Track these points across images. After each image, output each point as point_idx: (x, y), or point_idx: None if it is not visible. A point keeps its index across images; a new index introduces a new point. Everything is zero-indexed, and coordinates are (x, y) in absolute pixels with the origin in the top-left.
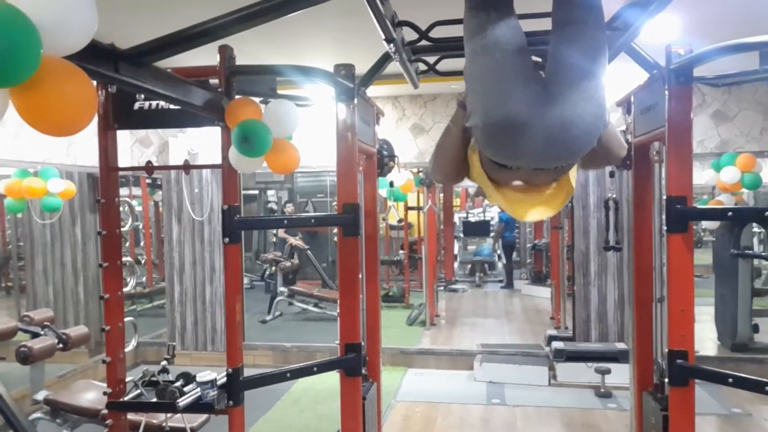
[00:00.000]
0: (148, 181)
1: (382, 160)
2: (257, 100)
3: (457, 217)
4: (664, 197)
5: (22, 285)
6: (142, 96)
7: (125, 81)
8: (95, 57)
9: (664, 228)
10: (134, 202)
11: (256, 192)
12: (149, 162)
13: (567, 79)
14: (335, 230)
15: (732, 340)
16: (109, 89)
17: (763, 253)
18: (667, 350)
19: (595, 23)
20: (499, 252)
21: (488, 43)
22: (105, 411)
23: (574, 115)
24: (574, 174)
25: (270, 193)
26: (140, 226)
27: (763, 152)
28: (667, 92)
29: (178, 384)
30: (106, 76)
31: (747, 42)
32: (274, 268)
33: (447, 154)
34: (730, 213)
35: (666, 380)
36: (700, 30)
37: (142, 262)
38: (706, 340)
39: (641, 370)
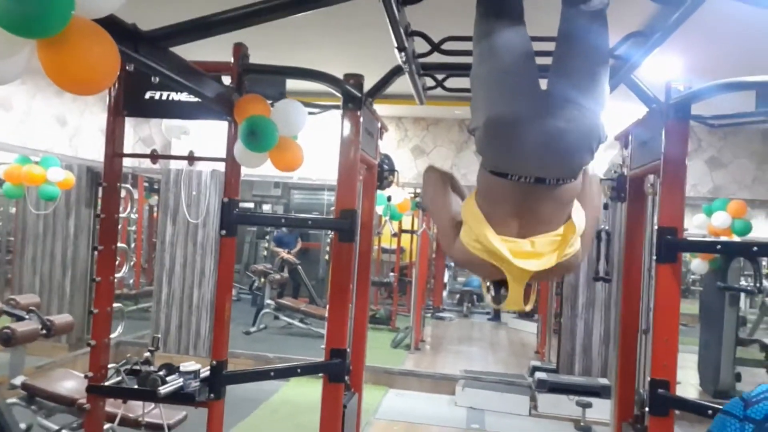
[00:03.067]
0: (146, 183)
1: (382, 173)
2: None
3: None
4: (656, 228)
5: (8, 278)
6: (154, 85)
7: (144, 62)
8: (117, 34)
9: (654, 258)
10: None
11: (252, 205)
12: (154, 150)
13: (570, 82)
14: (327, 248)
15: (714, 387)
16: (127, 67)
17: (748, 287)
18: (649, 380)
19: (599, 32)
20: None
21: (495, 47)
22: (81, 400)
23: (575, 117)
24: (579, 225)
25: (266, 207)
26: (133, 229)
27: (754, 201)
28: (664, 126)
29: (160, 373)
30: (125, 54)
31: (744, 81)
32: (263, 280)
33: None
34: (719, 246)
35: (647, 410)
36: (700, 70)
37: (132, 263)
38: (688, 387)
39: (622, 401)
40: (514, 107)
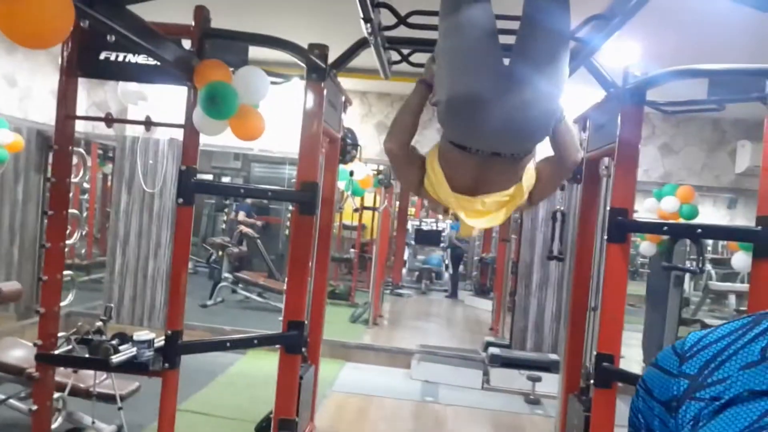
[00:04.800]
0: (100, 151)
1: (345, 147)
2: None
3: (411, 225)
4: (608, 209)
5: None
6: (110, 45)
7: (99, 18)
8: None
9: (605, 238)
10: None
11: (211, 177)
12: (109, 113)
13: (532, 61)
14: (287, 224)
15: None
16: (81, 24)
17: (691, 268)
18: (595, 354)
19: (562, 14)
20: (447, 262)
21: (461, 23)
22: (30, 369)
23: (533, 97)
24: (528, 183)
25: (225, 180)
26: (85, 198)
27: (702, 187)
28: (620, 111)
29: (113, 342)
30: (79, 10)
31: (697, 68)
32: (220, 253)
33: (408, 114)
34: (665, 227)
35: (592, 382)
36: (657, 57)
37: (84, 232)
38: (632, 363)
39: (569, 374)
40: (476, 86)
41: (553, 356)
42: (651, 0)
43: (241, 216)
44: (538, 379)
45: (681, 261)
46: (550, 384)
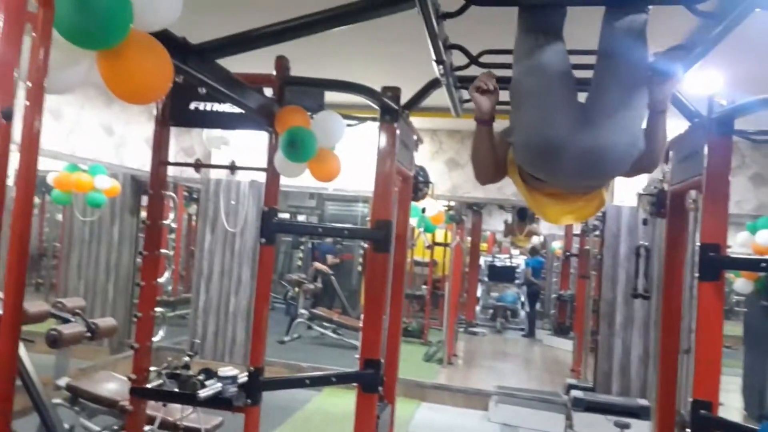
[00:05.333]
0: (185, 193)
1: (417, 185)
2: None
3: (483, 260)
4: (698, 245)
5: (53, 283)
6: (199, 96)
7: (192, 73)
8: (169, 47)
9: (696, 276)
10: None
11: (287, 215)
12: (198, 159)
13: (606, 107)
14: (360, 260)
15: (760, 411)
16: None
17: None
18: (691, 400)
19: (637, 57)
20: (522, 300)
21: (535, 65)
22: (123, 402)
23: (609, 142)
24: (607, 186)
25: (300, 218)
26: (172, 237)
27: None
28: (707, 141)
29: (200, 377)
30: (176, 67)
31: None
32: (297, 289)
33: (481, 155)
34: (764, 264)
35: (688, 431)
36: (742, 85)
37: (171, 271)
38: (732, 410)
39: (662, 422)
40: (552, 131)
41: (642, 401)
42: (733, 30)
43: (330, 259)
44: (627, 426)
45: None
46: (640, 431)
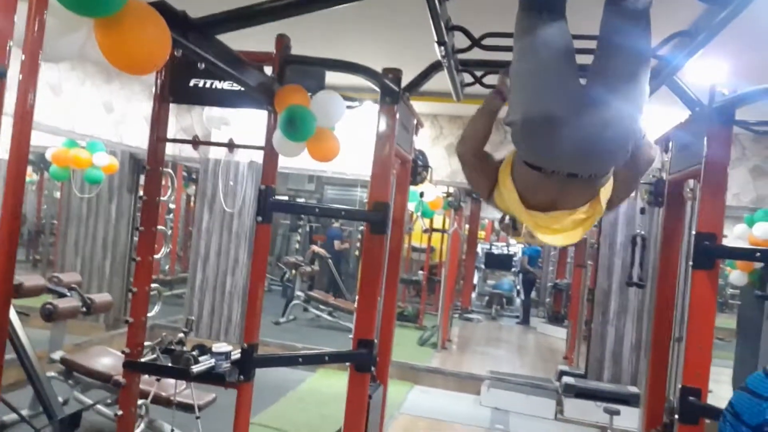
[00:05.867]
0: (184, 173)
1: (416, 169)
2: None
3: (480, 248)
4: (694, 233)
5: (50, 259)
6: (199, 72)
7: (191, 48)
8: (168, 20)
9: (690, 264)
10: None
11: (286, 198)
12: (195, 136)
13: (609, 81)
14: (358, 245)
15: None
16: (175, 53)
17: None
18: (680, 387)
19: (641, 32)
20: (518, 287)
21: (537, 43)
22: (117, 376)
23: (612, 117)
24: (606, 194)
25: (299, 201)
26: (170, 217)
27: None
28: (707, 131)
29: (194, 352)
30: (176, 41)
31: None
32: (293, 271)
33: (479, 123)
34: (758, 254)
35: (676, 417)
36: (745, 75)
37: (168, 250)
38: (721, 400)
39: (651, 408)
40: (552, 107)
41: (633, 389)
42: (737, 16)
43: (337, 244)
44: (617, 413)
45: None
46: (629, 418)
